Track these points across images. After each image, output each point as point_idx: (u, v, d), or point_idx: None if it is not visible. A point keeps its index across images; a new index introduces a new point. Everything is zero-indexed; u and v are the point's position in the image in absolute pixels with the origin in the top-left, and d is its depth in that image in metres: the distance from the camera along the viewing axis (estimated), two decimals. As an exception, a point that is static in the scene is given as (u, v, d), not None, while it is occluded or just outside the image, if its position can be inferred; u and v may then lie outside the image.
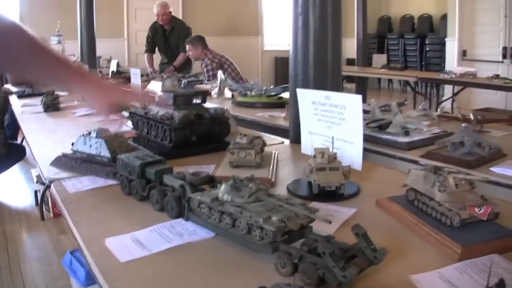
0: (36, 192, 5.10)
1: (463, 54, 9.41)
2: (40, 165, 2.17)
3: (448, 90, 8.63)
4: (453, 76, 6.76)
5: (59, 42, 6.52)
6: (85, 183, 1.83)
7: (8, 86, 6.29)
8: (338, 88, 2.28)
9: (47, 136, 2.83)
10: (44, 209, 4.77)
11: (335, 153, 1.67)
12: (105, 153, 1.92)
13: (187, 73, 6.27)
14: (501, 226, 1.31)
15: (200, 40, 6.53)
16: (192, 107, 2.25)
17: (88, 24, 6.59)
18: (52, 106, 3.90)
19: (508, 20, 8.61)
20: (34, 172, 5.44)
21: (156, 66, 7.57)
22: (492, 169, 2.04)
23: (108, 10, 8.99)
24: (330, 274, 0.99)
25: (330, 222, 1.15)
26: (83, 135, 2.06)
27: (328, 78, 2.29)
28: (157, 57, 7.68)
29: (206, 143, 2.27)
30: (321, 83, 2.26)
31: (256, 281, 1.04)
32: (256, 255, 1.17)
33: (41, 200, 4.75)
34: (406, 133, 2.44)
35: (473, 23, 9.27)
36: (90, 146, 1.99)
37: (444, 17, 10.22)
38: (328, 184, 1.60)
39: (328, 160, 1.63)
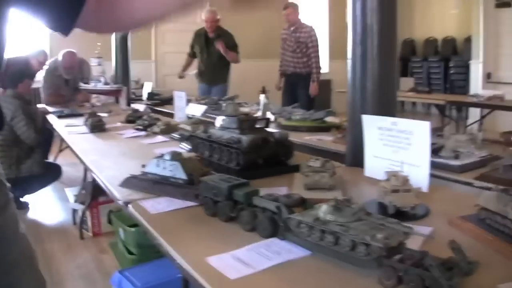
0: (74, 211, 5.20)
1: (488, 76, 9.47)
2: (109, 186, 2.26)
3: (473, 112, 8.69)
4: (481, 99, 6.83)
5: (99, 64, 6.66)
6: (163, 204, 1.91)
7: (42, 105, 6.43)
8: (393, 114, 2.37)
9: (104, 157, 2.92)
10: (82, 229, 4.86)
11: (407, 176, 1.77)
12: (181, 175, 2.02)
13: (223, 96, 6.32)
14: None
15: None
16: (257, 131, 2.36)
17: (122, 46, 6.75)
18: (98, 127, 4.01)
19: (533, 43, 8.71)
20: (69, 192, 5.53)
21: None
22: (544, 190, 2.13)
23: (137, 32, 9.13)
24: (436, 284, 1.10)
25: (433, 238, 1.27)
26: (156, 157, 2.15)
27: (385, 105, 2.40)
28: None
29: (271, 166, 2.37)
30: (378, 110, 2.35)
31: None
32: (356, 270, 1.27)
33: (81, 220, 4.83)
34: (456, 157, 2.53)
35: (498, 46, 9.34)
36: (164, 168, 2.08)
37: (468, 40, 10.28)
38: (403, 205, 1.70)
39: (401, 183, 1.73)
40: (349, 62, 2.43)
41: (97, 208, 4.83)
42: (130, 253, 3.92)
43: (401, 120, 2.03)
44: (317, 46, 7.00)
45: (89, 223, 4.85)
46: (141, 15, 1.42)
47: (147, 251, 3.75)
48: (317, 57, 7.06)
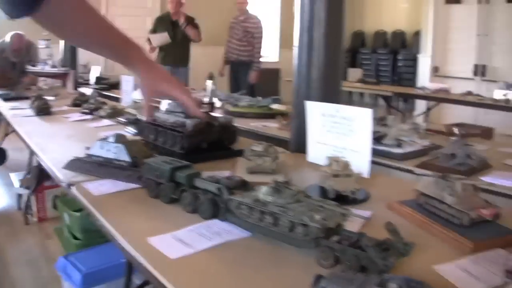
0: (18, 196, 5.13)
1: (435, 70, 9.63)
2: (53, 169, 2.25)
3: (419, 105, 8.84)
4: (427, 91, 6.96)
5: (47, 47, 6.55)
6: (107, 186, 1.91)
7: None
8: (338, 101, 2.40)
9: (49, 140, 2.88)
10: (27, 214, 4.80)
11: (348, 161, 1.80)
12: (125, 157, 2.02)
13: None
14: (502, 225, 1.50)
15: None
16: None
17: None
18: (44, 110, 3.95)
19: (480, 39, 8.87)
20: (14, 176, 5.45)
21: None
22: (482, 178, 2.19)
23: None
24: (372, 264, 1.13)
25: (369, 219, 1.32)
26: (100, 139, 2.14)
27: (330, 92, 2.43)
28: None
29: (215, 150, 2.38)
30: (323, 97, 2.38)
31: (300, 273, 1.19)
32: (295, 251, 1.30)
33: (26, 205, 4.78)
34: (399, 145, 2.58)
35: (446, 41, 9.50)
36: (108, 150, 2.07)
37: (417, 34, 10.44)
38: (343, 189, 1.73)
39: (342, 168, 1.76)
40: (296, 49, 2.45)
41: (43, 193, 4.78)
42: (75, 238, 3.90)
43: (344, 107, 2.07)
44: (262, 37, 7.19)
45: (34, 208, 4.80)
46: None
47: (92, 236, 3.73)
48: (261, 48, 7.37)
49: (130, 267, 2.74)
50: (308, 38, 2.39)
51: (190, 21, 7.32)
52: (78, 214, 3.78)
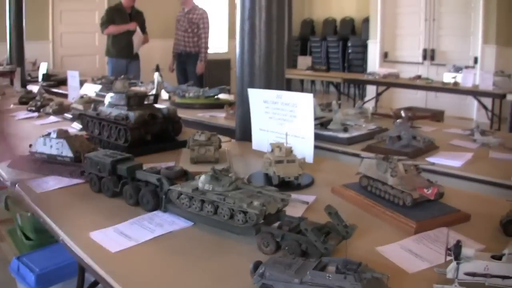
0: (-31, 198, 5.01)
1: (385, 56, 9.71)
2: (-2, 168, 2.20)
3: (370, 90, 8.90)
4: (377, 77, 7.01)
5: (-10, 45, 6.43)
6: (51, 183, 1.89)
7: None
8: (282, 88, 2.40)
9: (-7, 139, 2.83)
10: (-22, 216, 4.69)
11: (291, 147, 1.81)
12: (68, 153, 1.99)
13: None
14: (445, 204, 1.52)
15: None
16: (145, 107, 2.35)
17: (17, 26, 6.54)
18: (-11, 109, 3.86)
19: (428, 24, 8.96)
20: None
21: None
22: (427, 159, 2.22)
23: (33, 12, 8.79)
24: (313, 248, 1.13)
25: (308, 203, 1.31)
26: (43, 136, 2.10)
27: (273, 79, 2.42)
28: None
29: (160, 142, 2.37)
30: (266, 84, 2.38)
31: (242, 260, 1.18)
32: (237, 238, 1.30)
33: (-24, 207, 4.67)
34: (345, 130, 2.60)
35: (395, 26, 9.58)
36: (51, 146, 2.04)
37: (366, 20, 10.48)
38: (287, 175, 1.74)
39: (285, 154, 1.76)
40: (238, 37, 2.44)
41: (-7, 194, 4.68)
42: (28, 238, 3.83)
43: (285, 93, 2.06)
44: (207, 28, 7.26)
45: (-15, 210, 4.69)
46: None
47: (44, 236, 3.66)
48: (207, 38, 7.33)
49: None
50: (250, 26, 2.38)
51: (140, 16, 7.24)
52: (29, 214, 3.71)
